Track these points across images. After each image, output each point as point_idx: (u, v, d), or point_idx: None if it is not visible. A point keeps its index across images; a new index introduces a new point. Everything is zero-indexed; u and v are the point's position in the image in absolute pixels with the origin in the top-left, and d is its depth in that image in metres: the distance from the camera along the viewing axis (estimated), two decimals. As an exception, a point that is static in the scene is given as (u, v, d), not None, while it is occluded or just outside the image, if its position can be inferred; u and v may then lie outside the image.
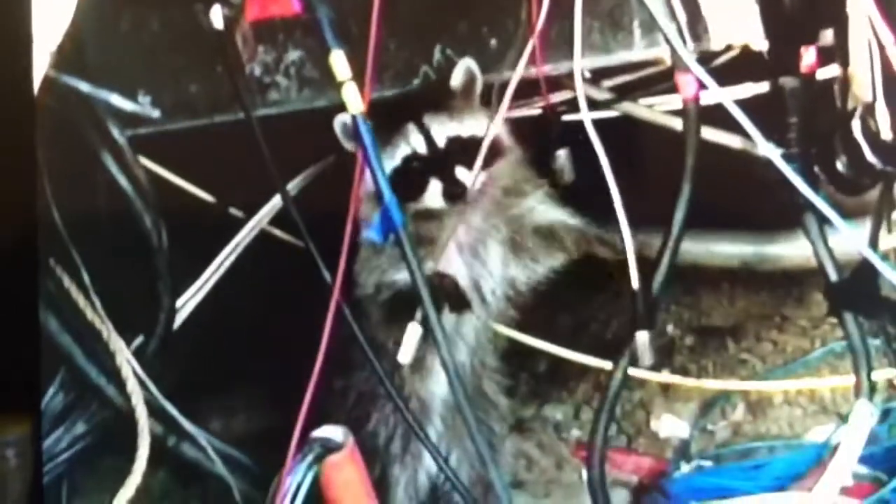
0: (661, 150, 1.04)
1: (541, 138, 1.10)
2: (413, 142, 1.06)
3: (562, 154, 1.09)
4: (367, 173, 0.98)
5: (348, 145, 1.07)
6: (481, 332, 1.11)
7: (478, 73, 1.07)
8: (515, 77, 1.01)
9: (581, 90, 1.01)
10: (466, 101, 1.07)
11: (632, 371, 1.05)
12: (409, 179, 1.04)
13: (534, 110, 1.09)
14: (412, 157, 1.06)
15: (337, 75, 0.99)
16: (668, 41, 0.96)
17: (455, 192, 1.05)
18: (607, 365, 1.04)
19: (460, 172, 1.06)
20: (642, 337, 1.00)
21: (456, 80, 1.07)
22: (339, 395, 1.10)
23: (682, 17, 0.99)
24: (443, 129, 1.06)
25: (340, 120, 1.06)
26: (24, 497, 0.89)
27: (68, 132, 1.03)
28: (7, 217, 0.94)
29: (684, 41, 0.99)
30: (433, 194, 1.06)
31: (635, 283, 0.99)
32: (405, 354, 1.01)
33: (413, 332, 1.00)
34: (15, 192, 0.96)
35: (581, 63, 1.01)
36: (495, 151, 1.08)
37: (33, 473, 0.90)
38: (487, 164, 1.07)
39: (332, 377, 1.07)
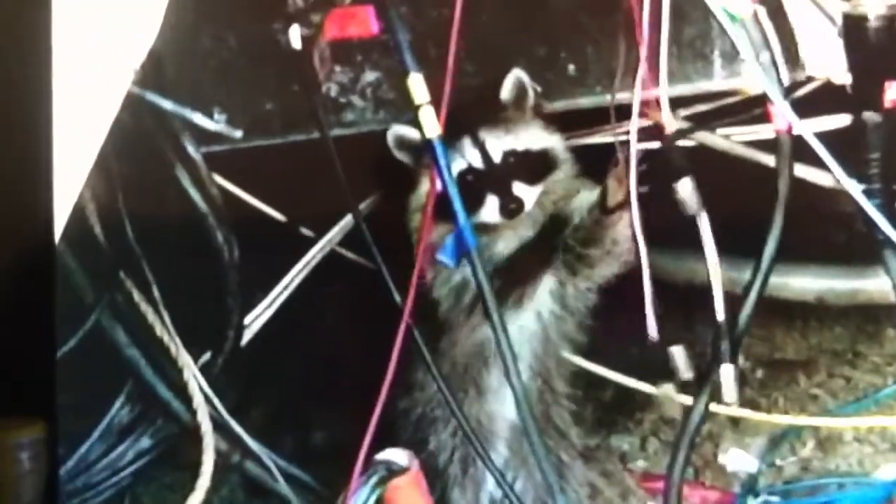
0: (739, 181, 1.03)
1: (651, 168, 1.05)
2: (469, 156, 1.05)
3: (685, 184, 1.00)
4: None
5: (401, 157, 1.07)
6: (542, 353, 1.11)
7: (528, 84, 1.06)
8: (636, 99, 0.98)
9: (668, 114, 0.99)
10: (519, 114, 1.06)
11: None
12: (465, 194, 1.03)
13: (604, 138, 1.08)
14: (467, 172, 1.05)
15: (414, 98, 0.99)
16: (761, 72, 0.95)
17: (512, 208, 1.04)
18: (680, 397, 1.04)
19: (517, 188, 1.05)
20: (727, 371, 0.99)
21: (506, 92, 1.06)
22: (402, 417, 1.10)
23: (776, 47, 0.98)
24: (498, 143, 1.05)
25: (395, 132, 1.07)
26: (38, 499, 0.90)
27: (145, 147, 1.04)
28: (24, 226, 0.95)
29: (778, 72, 0.98)
30: (490, 209, 1.05)
31: (720, 314, 0.99)
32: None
33: None
34: (31, 201, 0.97)
35: (666, 91, 1.00)
36: (550, 164, 1.07)
37: (48, 476, 0.91)
38: (543, 176, 1.07)
39: (396, 398, 1.07)
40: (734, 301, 1.00)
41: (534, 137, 1.07)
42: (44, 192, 0.98)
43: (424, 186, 1.06)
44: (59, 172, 1.00)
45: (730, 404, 1.00)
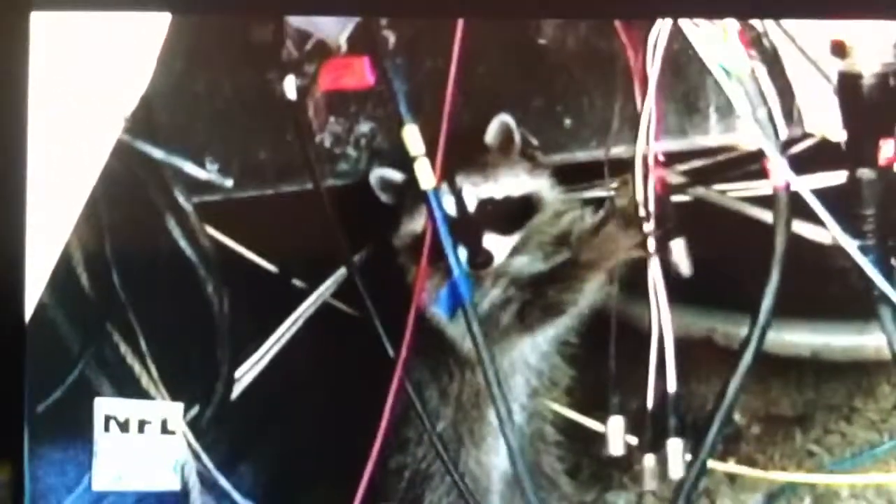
0: (734, 237, 1.03)
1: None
2: (443, 202, 1.03)
3: (678, 245, 1.01)
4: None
5: (384, 198, 1.06)
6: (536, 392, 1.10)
7: (514, 128, 1.04)
8: (639, 153, 1.00)
9: (640, 173, 1.00)
10: (503, 158, 1.05)
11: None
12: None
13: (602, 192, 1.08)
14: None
15: (410, 150, 0.99)
16: (758, 128, 0.96)
17: (479, 262, 1.03)
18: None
19: (488, 240, 1.03)
20: (675, 445, 1.00)
21: (490, 136, 1.05)
22: (394, 474, 1.08)
23: (774, 103, 0.99)
24: (475, 191, 1.04)
25: (377, 174, 1.06)
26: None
27: (134, 196, 1.03)
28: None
29: (775, 128, 0.99)
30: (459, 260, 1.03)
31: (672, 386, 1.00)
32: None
33: None
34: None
35: (654, 146, 1.01)
36: (533, 209, 1.06)
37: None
38: (521, 223, 1.05)
39: (388, 455, 1.06)
40: (731, 357, 1.01)
41: (516, 182, 1.05)
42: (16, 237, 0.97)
43: (408, 227, 1.05)
44: (33, 190, 0.99)
45: (674, 480, 1.01)
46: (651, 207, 1.01)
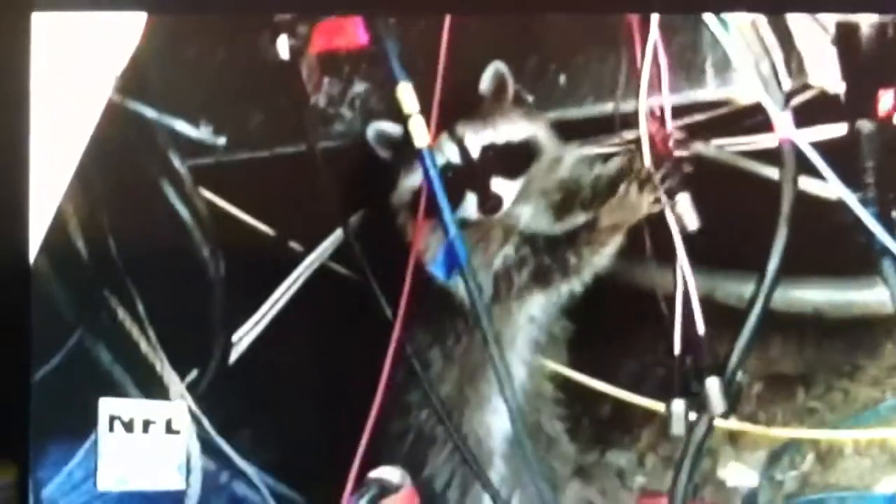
0: (737, 193, 1.02)
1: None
2: (447, 152, 1.03)
3: (683, 199, 1.01)
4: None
5: (382, 153, 1.05)
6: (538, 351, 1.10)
7: (508, 76, 1.04)
8: (642, 105, 0.99)
9: (644, 129, 1.00)
10: (498, 106, 1.04)
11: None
12: (444, 191, 1.02)
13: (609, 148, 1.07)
14: (446, 168, 1.03)
15: (403, 108, 1.00)
16: (759, 82, 0.96)
17: (491, 205, 1.03)
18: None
19: (496, 184, 1.03)
20: (713, 384, 1.00)
21: (484, 84, 1.04)
22: (396, 438, 1.07)
23: (777, 56, 0.98)
24: (477, 138, 1.04)
25: (374, 127, 1.05)
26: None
27: (128, 161, 1.02)
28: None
29: (779, 82, 0.98)
30: (469, 206, 1.03)
31: (701, 329, 0.99)
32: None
33: None
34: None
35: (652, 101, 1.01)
36: (532, 153, 1.05)
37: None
38: (524, 168, 1.05)
39: (390, 418, 1.05)
40: (737, 316, 1.01)
41: (514, 128, 1.05)
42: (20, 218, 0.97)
43: (406, 183, 1.05)
44: (36, 188, 0.99)
45: (716, 417, 1.01)
46: (662, 164, 1.01)
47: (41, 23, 1.01)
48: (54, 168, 1.00)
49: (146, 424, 1.03)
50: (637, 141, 1.01)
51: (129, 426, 1.03)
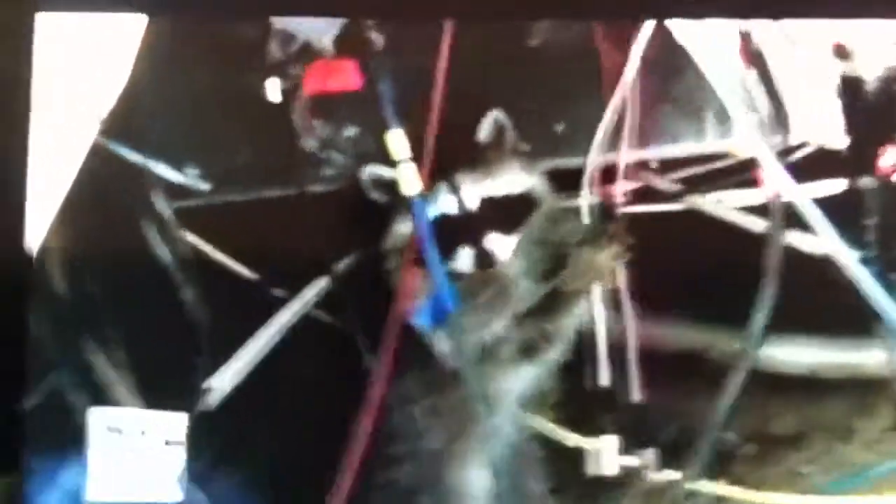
0: (728, 247, 1.00)
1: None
2: (444, 203, 1.02)
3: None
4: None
5: (376, 196, 1.04)
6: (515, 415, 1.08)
7: (507, 125, 1.03)
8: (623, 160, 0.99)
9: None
10: (497, 155, 1.03)
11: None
12: (438, 242, 1.01)
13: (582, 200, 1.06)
14: (442, 219, 1.02)
15: (394, 155, 0.98)
16: (753, 134, 0.94)
17: (486, 261, 1.02)
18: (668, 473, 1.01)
19: (491, 239, 1.02)
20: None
21: (483, 133, 1.03)
22: (377, 489, 1.05)
23: (764, 110, 0.96)
24: (476, 189, 1.03)
25: (370, 171, 1.03)
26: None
27: (111, 200, 1.01)
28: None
29: (770, 136, 0.97)
30: (464, 260, 1.02)
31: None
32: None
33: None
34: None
35: (644, 153, 1.00)
36: (530, 206, 1.04)
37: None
38: (521, 221, 1.03)
39: (371, 469, 1.03)
40: (725, 372, 0.99)
41: (513, 180, 1.04)
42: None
43: (400, 228, 1.03)
44: (35, 224, 0.98)
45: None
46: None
47: (45, 23, 1.00)
48: (54, 171, 0.99)
49: (139, 434, 1.01)
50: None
51: (124, 436, 1.01)
